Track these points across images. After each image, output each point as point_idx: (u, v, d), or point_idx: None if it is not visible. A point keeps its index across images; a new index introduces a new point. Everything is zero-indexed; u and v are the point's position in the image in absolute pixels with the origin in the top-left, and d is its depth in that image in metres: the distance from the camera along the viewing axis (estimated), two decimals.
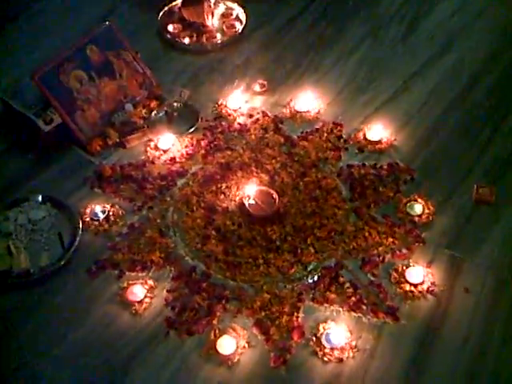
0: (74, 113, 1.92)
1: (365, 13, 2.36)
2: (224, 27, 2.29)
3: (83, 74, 1.96)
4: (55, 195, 1.80)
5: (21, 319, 1.57)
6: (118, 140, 1.94)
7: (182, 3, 2.27)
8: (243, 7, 2.33)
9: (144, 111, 2.01)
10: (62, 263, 1.66)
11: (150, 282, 1.61)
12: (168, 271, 1.64)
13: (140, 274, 1.63)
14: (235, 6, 2.34)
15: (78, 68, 1.95)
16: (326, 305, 1.56)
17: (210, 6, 2.26)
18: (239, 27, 2.28)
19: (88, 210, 1.76)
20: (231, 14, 2.33)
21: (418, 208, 1.74)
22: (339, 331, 1.50)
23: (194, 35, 2.26)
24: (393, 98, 2.06)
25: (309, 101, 2.03)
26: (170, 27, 2.29)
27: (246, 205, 1.73)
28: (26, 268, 1.66)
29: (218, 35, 2.26)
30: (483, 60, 2.17)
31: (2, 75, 2.12)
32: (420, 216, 1.73)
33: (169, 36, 2.25)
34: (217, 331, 1.51)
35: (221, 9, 2.35)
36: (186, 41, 2.25)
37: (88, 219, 1.75)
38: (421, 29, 2.30)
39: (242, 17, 2.31)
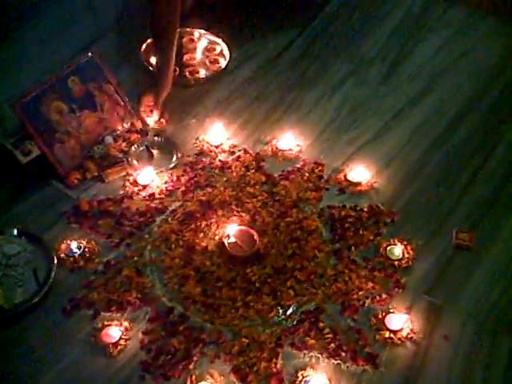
0: (54, 145, 1.88)
1: (348, 52, 2.37)
2: (207, 62, 2.28)
3: (64, 106, 1.93)
4: (31, 229, 1.75)
5: None
6: (96, 174, 1.91)
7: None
8: (227, 43, 2.32)
9: (124, 145, 1.99)
10: (37, 300, 1.61)
11: (126, 324, 1.57)
12: (144, 312, 1.60)
13: (115, 315, 1.59)
14: (220, 41, 2.34)
15: (58, 99, 1.92)
16: (305, 351, 1.54)
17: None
18: (223, 62, 2.27)
19: (64, 246, 1.72)
20: (215, 49, 2.32)
21: (397, 252, 1.74)
22: (318, 379, 1.47)
23: (177, 69, 2.24)
24: (375, 139, 2.07)
25: (291, 139, 2.02)
26: (153, 59, 2.27)
27: (226, 244, 1.71)
28: (0, 304, 1.61)
29: (202, 70, 2.25)
30: (465, 101, 2.19)
31: None
32: (400, 260, 1.73)
33: (151, 68, 2.23)
34: (193, 377, 1.47)
35: (203, 43, 2.35)
36: None
37: (63, 255, 1.71)
38: (403, 69, 2.32)
39: (226, 52, 2.30)
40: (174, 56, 2.06)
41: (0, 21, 2.35)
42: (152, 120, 2.04)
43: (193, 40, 2.36)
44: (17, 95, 1.86)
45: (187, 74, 2.24)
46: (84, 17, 2.44)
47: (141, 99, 2.05)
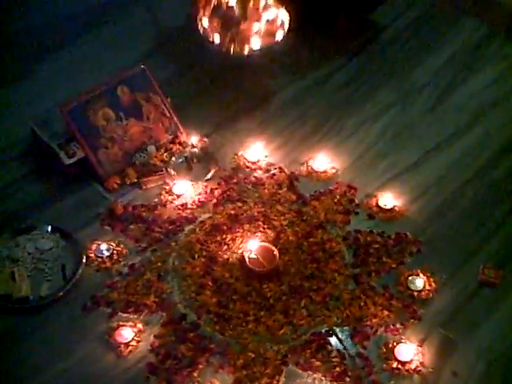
0: (97, 149, 1.98)
1: (398, 79, 2.37)
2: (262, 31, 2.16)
3: (111, 113, 2.03)
4: (65, 227, 1.85)
5: (11, 344, 1.61)
6: (135, 180, 1.99)
7: None
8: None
9: (165, 155, 2.06)
10: (61, 295, 1.70)
11: (140, 326, 1.63)
12: (159, 316, 1.65)
13: (131, 316, 1.65)
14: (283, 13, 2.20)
15: (107, 106, 2.02)
16: (309, 372, 1.55)
17: None
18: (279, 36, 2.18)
19: (94, 246, 1.80)
20: (275, 21, 2.18)
21: (419, 283, 1.72)
22: None
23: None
24: (412, 168, 2.05)
25: (327, 161, 2.04)
26: None
27: (246, 258, 1.74)
28: (26, 295, 1.70)
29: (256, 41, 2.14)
30: (509, 138, 2.14)
31: (36, 103, 2.21)
32: (420, 291, 1.71)
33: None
34: None
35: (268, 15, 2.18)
36: None
37: (92, 255, 1.79)
38: (451, 100, 2.28)
39: (286, 24, 2.20)
40: None
41: (60, 29, 2.49)
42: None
43: (258, 9, 2.16)
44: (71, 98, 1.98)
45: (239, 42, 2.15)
46: (146, 29, 2.55)
47: None
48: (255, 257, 1.75)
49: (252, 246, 1.77)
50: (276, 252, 1.75)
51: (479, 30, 2.56)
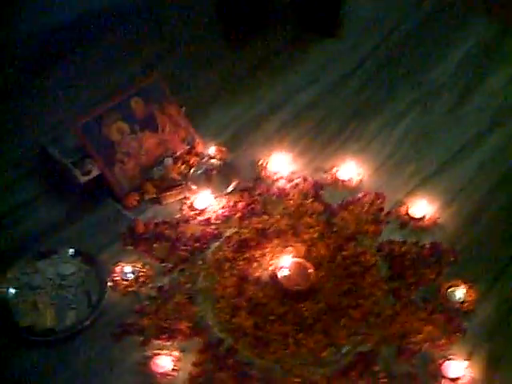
0: (113, 165, 1.89)
1: (415, 79, 2.29)
2: None
3: (125, 126, 1.93)
4: (86, 249, 1.76)
5: (38, 381, 1.53)
6: (154, 196, 1.91)
7: None
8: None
9: (183, 167, 1.97)
10: (88, 323, 1.61)
11: (176, 353, 1.54)
12: (195, 342, 1.57)
13: (165, 343, 1.57)
14: None
15: (120, 120, 1.92)
16: None
17: None
18: None
19: (118, 269, 1.72)
20: None
21: (460, 294, 1.66)
22: None
23: None
24: (439, 172, 1.99)
25: (351, 168, 1.97)
26: None
27: (279, 277, 1.67)
28: (51, 326, 1.61)
29: None
30: None
31: (44, 119, 2.11)
32: (462, 303, 1.65)
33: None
34: None
35: None
36: None
37: (118, 278, 1.70)
38: (472, 99, 2.21)
39: None
40: None
41: (65, 38, 2.39)
42: None
43: None
44: (81, 113, 1.88)
45: None
46: (151, 35, 2.45)
47: None
48: (288, 274, 1.68)
49: (284, 262, 1.70)
50: (312, 269, 1.68)
51: (491, 28, 2.49)
